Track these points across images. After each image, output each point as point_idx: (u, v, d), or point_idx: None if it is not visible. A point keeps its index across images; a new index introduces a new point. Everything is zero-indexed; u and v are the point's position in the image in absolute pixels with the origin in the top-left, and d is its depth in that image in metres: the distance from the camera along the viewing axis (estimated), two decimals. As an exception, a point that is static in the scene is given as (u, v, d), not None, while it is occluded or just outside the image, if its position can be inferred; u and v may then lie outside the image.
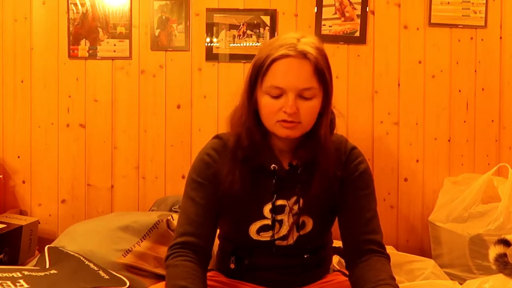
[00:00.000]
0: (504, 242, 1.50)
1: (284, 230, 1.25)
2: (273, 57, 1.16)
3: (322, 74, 1.17)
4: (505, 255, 1.49)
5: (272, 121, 1.18)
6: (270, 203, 1.24)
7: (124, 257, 1.79)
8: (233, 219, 1.28)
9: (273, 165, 1.23)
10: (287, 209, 1.24)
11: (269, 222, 1.24)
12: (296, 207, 1.23)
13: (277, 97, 1.16)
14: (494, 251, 1.50)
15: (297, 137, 1.22)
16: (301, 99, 1.16)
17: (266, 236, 1.25)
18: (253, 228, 1.25)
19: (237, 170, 1.22)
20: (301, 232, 1.26)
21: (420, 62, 2.43)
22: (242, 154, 1.23)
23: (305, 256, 1.29)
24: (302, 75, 1.15)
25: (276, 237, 1.25)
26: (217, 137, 1.31)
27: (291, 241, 1.26)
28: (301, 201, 1.23)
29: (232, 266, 1.29)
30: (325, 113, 1.21)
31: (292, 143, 1.24)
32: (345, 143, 1.30)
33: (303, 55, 1.15)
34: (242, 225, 1.26)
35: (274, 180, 1.23)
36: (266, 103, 1.18)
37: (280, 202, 1.24)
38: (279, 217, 1.24)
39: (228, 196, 1.23)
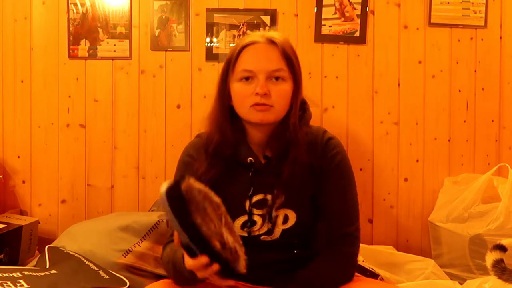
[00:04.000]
0: (500, 248, 1.48)
1: (268, 225, 1.25)
2: (242, 45, 1.24)
3: (290, 59, 1.23)
4: (502, 260, 1.47)
5: (245, 106, 1.23)
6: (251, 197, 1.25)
7: (124, 257, 1.80)
8: None
9: (250, 158, 1.25)
10: (268, 203, 1.24)
11: (252, 217, 1.25)
12: (277, 201, 1.24)
13: (248, 81, 1.22)
14: (490, 257, 1.47)
15: (270, 128, 1.26)
16: (272, 82, 1.22)
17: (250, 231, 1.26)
18: (237, 223, 1.26)
19: (205, 163, 1.26)
20: (285, 226, 1.25)
21: (420, 62, 2.43)
22: (213, 148, 1.27)
23: (295, 252, 1.28)
24: (270, 58, 1.22)
25: (258, 233, 1.25)
26: (197, 136, 1.36)
27: (276, 235, 1.25)
28: (275, 192, 1.23)
29: None
30: (295, 103, 1.26)
31: (266, 135, 1.27)
32: (322, 134, 1.31)
33: (270, 41, 1.23)
34: None
35: (250, 173, 1.25)
36: (238, 89, 1.23)
37: (259, 196, 1.25)
38: (261, 212, 1.25)
39: None
